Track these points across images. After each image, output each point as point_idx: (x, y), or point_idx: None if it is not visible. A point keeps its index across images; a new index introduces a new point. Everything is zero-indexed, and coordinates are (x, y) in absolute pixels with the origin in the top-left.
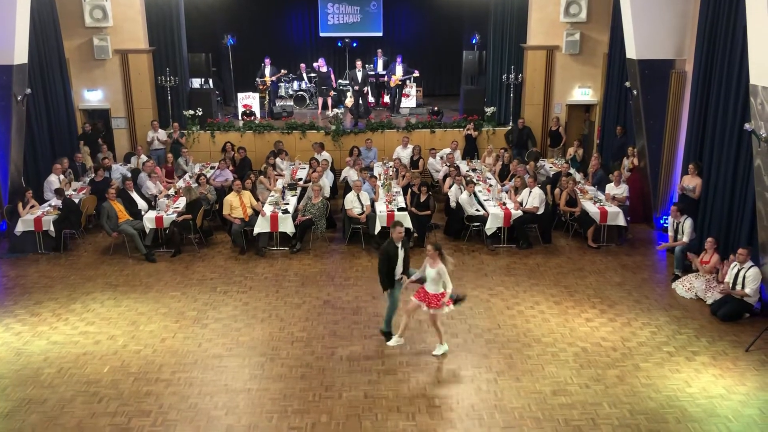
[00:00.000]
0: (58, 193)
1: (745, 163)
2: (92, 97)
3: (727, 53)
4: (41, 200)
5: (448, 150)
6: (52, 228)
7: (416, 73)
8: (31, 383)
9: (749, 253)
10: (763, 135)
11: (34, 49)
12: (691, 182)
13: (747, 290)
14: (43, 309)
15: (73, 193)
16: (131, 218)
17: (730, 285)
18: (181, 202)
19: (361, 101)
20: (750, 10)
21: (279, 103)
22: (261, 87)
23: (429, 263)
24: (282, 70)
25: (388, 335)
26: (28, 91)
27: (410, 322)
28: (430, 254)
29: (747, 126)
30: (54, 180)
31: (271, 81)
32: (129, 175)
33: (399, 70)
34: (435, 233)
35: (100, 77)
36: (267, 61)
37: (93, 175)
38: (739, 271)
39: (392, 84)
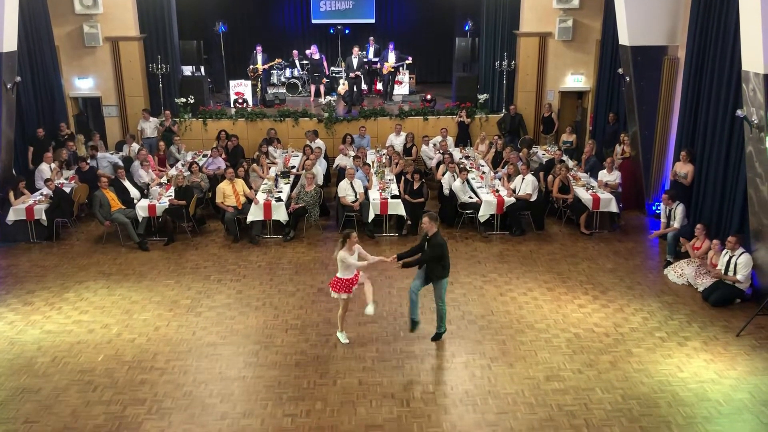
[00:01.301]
0: (47, 182)
1: (737, 149)
2: (83, 85)
3: (719, 39)
4: (33, 189)
5: (440, 137)
6: (44, 217)
7: (409, 60)
8: (24, 372)
9: (738, 240)
10: (755, 121)
11: (23, 37)
12: (683, 169)
13: (739, 276)
14: (36, 298)
15: (64, 182)
16: (124, 207)
17: (722, 272)
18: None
19: (355, 88)
20: None
21: (271, 90)
22: (252, 75)
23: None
24: (277, 59)
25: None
26: (18, 78)
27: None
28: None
29: (739, 112)
30: (45, 169)
31: (263, 69)
32: (119, 163)
33: (391, 57)
34: None
35: (91, 65)
36: (258, 48)
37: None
38: (731, 257)
39: (385, 71)
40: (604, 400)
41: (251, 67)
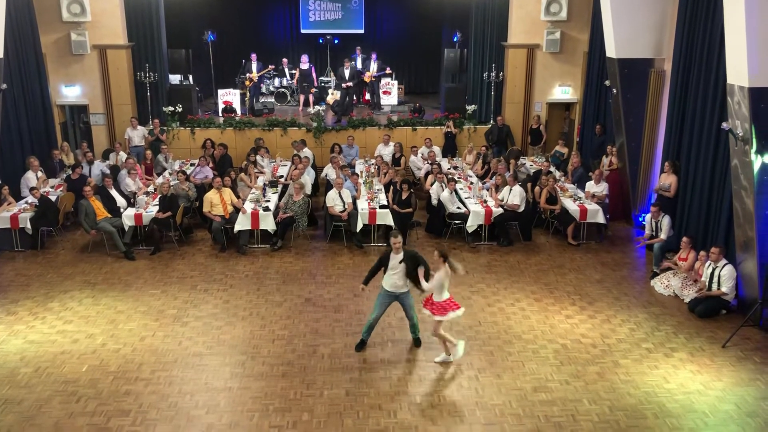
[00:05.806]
0: (32, 190)
1: (722, 161)
2: (70, 93)
3: (705, 53)
4: (18, 197)
5: (428, 148)
6: (28, 225)
7: (388, 70)
8: (6, 383)
9: (722, 251)
10: (740, 134)
11: (10, 44)
12: (667, 180)
13: (723, 288)
14: (20, 308)
15: (50, 190)
16: (110, 215)
17: (707, 284)
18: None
19: (347, 98)
20: (727, 10)
21: (260, 99)
22: (247, 83)
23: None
24: (270, 66)
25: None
26: (4, 86)
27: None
28: (436, 261)
29: (724, 125)
30: (31, 177)
31: (258, 76)
32: (105, 171)
33: (373, 66)
34: (417, 231)
35: (78, 73)
36: (253, 56)
37: (70, 172)
38: (714, 269)
39: (366, 79)
40: (592, 411)
41: (248, 75)
